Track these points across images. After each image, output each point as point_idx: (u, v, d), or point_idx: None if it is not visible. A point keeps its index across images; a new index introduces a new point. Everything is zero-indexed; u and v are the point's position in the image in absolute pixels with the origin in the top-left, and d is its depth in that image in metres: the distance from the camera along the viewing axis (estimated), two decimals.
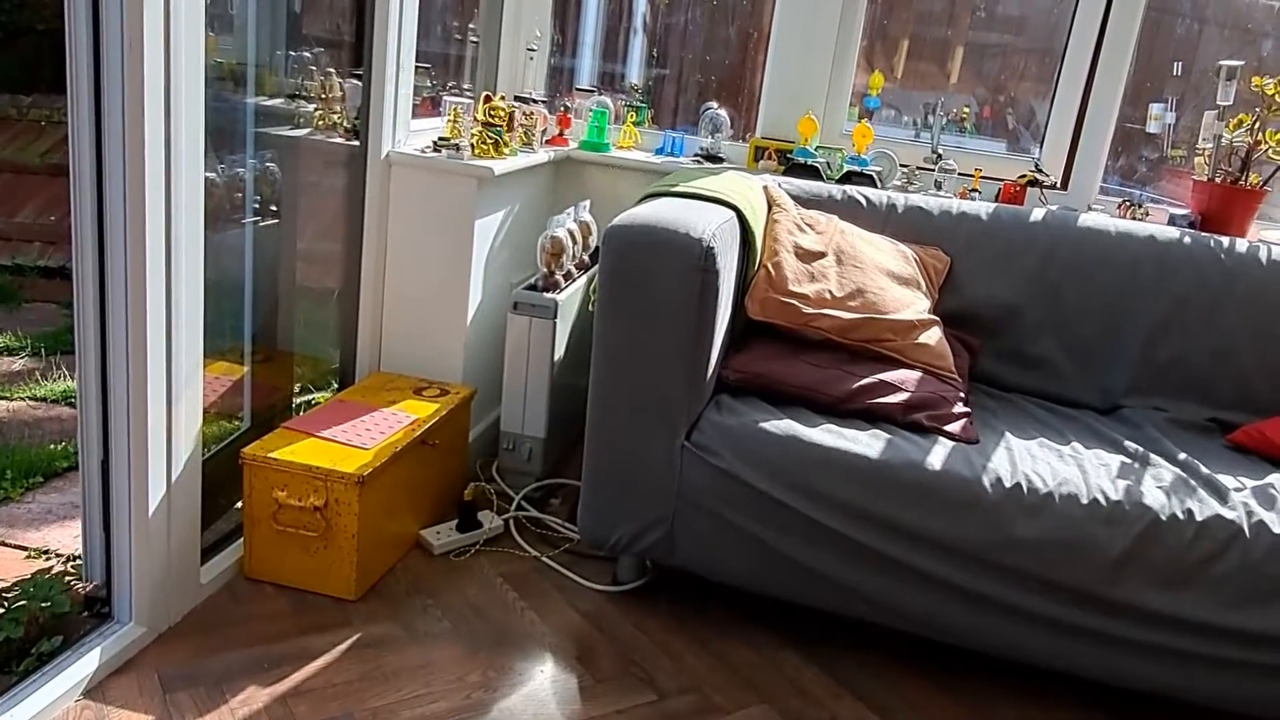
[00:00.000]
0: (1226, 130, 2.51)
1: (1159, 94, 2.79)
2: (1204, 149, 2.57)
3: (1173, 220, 2.55)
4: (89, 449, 1.71)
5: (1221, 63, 2.52)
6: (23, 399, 2.91)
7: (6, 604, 1.71)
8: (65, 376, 3.08)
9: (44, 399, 2.91)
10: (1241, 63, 2.51)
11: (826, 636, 2.04)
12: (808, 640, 2.02)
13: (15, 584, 1.77)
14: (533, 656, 1.87)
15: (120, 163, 1.56)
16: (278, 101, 2.16)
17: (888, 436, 1.88)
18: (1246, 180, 2.50)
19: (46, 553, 2.02)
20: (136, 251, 1.58)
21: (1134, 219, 2.57)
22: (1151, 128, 2.74)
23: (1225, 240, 2.34)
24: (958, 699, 1.90)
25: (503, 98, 2.53)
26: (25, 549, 2.04)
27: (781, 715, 1.79)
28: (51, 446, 2.52)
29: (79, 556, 1.85)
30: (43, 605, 1.71)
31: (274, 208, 2.17)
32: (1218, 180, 2.53)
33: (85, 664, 1.64)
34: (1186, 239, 2.34)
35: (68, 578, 1.82)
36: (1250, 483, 1.87)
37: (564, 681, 1.81)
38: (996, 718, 1.86)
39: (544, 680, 1.80)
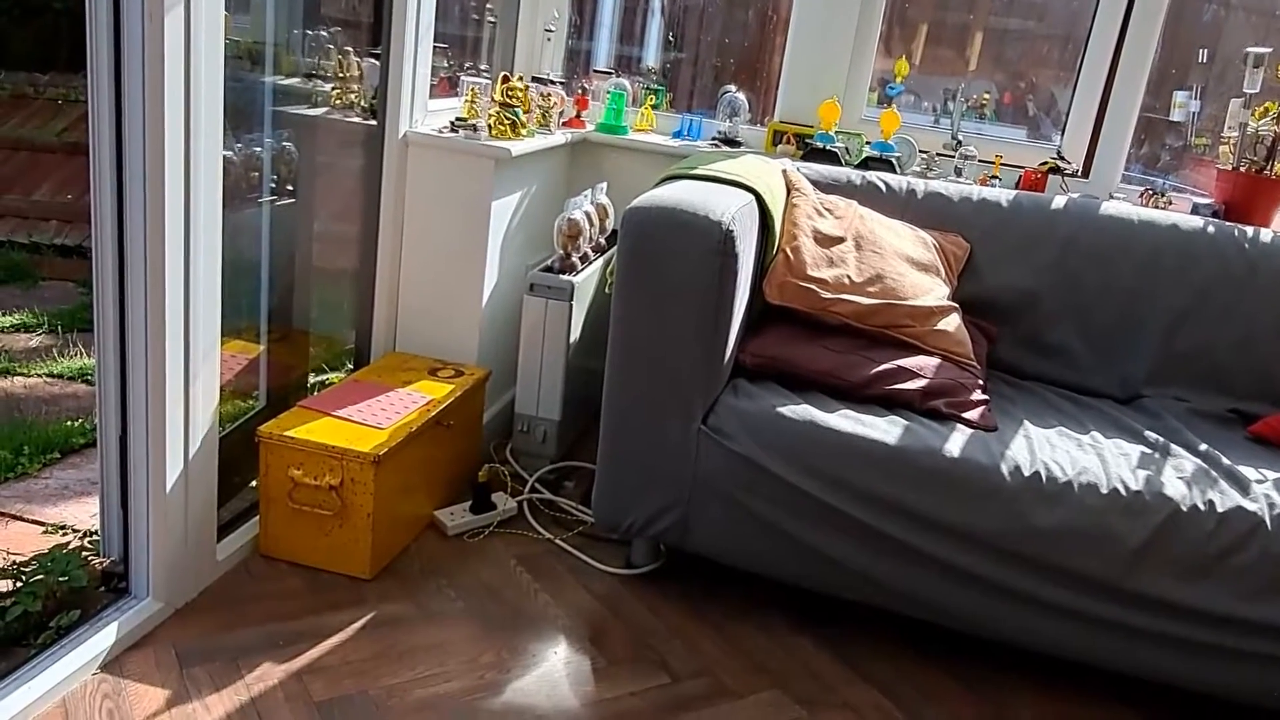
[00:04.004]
0: (1252, 119, 2.48)
1: (1184, 81, 2.75)
2: (1229, 137, 2.54)
3: (1196, 209, 2.52)
4: (107, 425, 1.71)
5: (1248, 50, 2.49)
6: (40, 375, 2.92)
7: (25, 578, 1.72)
8: (81, 354, 3.09)
9: (61, 376, 2.92)
10: (1269, 50, 2.47)
11: (840, 622, 2.03)
12: (821, 625, 2.01)
13: (33, 558, 1.78)
14: (546, 638, 1.87)
15: (140, 140, 1.55)
16: (295, 80, 2.15)
17: (905, 423, 1.87)
18: (1272, 169, 2.47)
19: (64, 528, 2.03)
20: (155, 229, 1.58)
21: (1157, 208, 2.54)
22: (1175, 116, 2.71)
23: (1249, 230, 2.31)
24: (971, 686, 1.89)
25: (520, 78, 2.51)
26: (43, 524, 2.05)
27: (794, 700, 1.79)
28: (68, 423, 2.53)
29: (96, 532, 1.86)
30: (60, 580, 1.72)
31: (291, 187, 2.16)
32: (1242, 169, 2.50)
33: (103, 638, 1.64)
34: (1210, 228, 2.32)
35: (85, 553, 1.82)
36: (1271, 474, 1.85)
37: (577, 663, 1.81)
38: (1009, 705, 1.85)
39: (557, 662, 1.81)
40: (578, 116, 2.87)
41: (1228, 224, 2.34)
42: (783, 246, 2.15)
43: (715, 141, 2.86)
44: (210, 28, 1.59)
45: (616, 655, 1.85)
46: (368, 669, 1.71)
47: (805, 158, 2.69)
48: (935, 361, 2.04)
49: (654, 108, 2.99)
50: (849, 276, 2.13)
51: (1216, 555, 1.70)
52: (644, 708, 1.71)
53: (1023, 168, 2.69)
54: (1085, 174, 2.76)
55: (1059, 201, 2.39)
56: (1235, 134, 2.52)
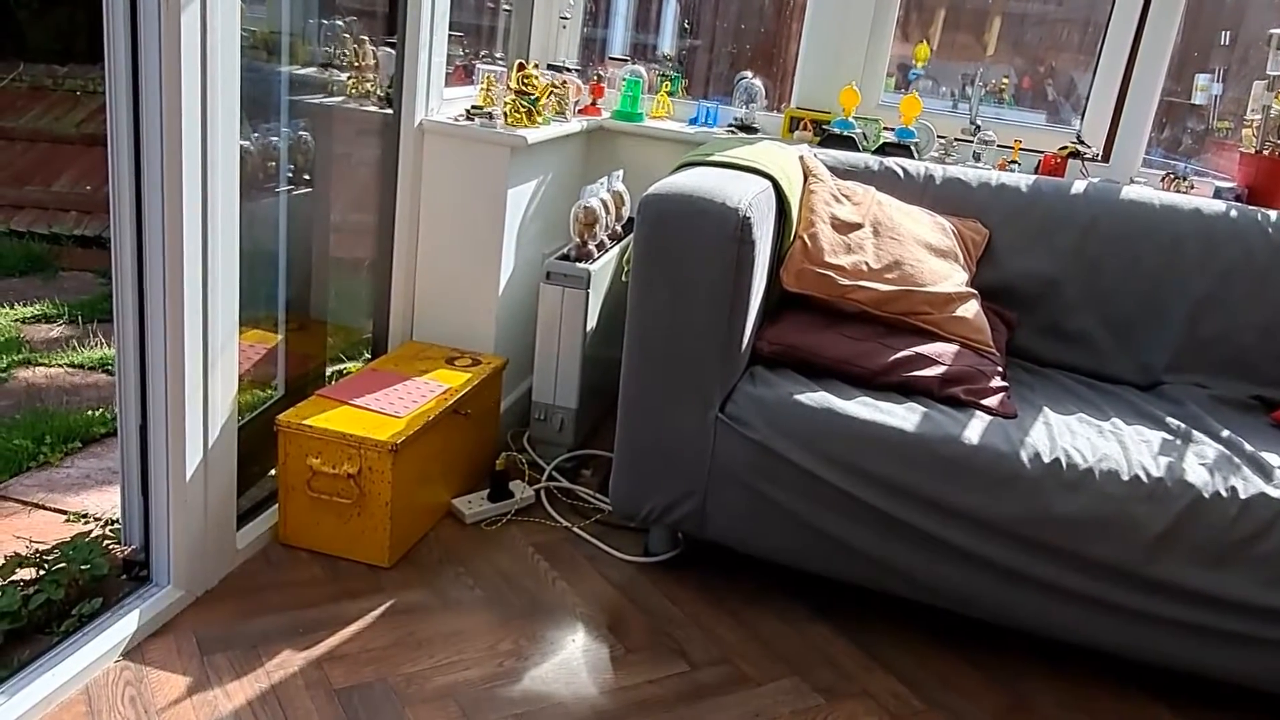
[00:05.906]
0: (1276, 101, 2.45)
1: (1205, 64, 2.72)
2: (1252, 120, 2.51)
3: (1218, 193, 2.49)
4: (127, 414, 1.72)
5: (1272, 31, 2.46)
6: (61, 366, 2.94)
7: (47, 566, 1.74)
8: (102, 344, 3.11)
9: (81, 366, 2.94)
10: None
11: (858, 610, 2.03)
12: (840, 614, 2.01)
13: (56, 547, 1.79)
14: (564, 626, 1.87)
15: (158, 131, 1.55)
16: (311, 70, 2.15)
17: (924, 410, 1.86)
18: None
19: (85, 516, 2.05)
20: (173, 219, 1.59)
21: (1178, 192, 2.52)
22: (1197, 99, 2.68)
23: (1273, 214, 2.28)
24: (990, 674, 1.88)
25: (535, 66, 2.51)
26: (65, 513, 2.07)
27: (812, 687, 1.78)
28: (89, 412, 2.55)
29: (117, 520, 1.87)
30: (82, 568, 1.73)
31: (307, 176, 2.17)
32: (1266, 152, 2.47)
33: (124, 625, 1.66)
34: (1233, 212, 2.29)
35: (106, 541, 1.84)
36: None
37: (595, 651, 1.81)
38: (1028, 693, 1.85)
39: (575, 649, 1.81)
40: (593, 104, 2.86)
41: (1251, 208, 2.31)
42: (800, 233, 2.14)
43: (732, 128, 2.85)
44: (226, 18, 1.59)
45: (635, 643, 1.85)
46: (387, 656, 1.72)
47: (822, 144, 2.68)
48: (954, 348, 2.03)
49: (670, 95, 2.97)
50: (867, 263, 2.12)
51: (1239, 542, 1.68)
52: (663, 695, 1.72)
53: (1042, 152, 2.66)
54: (1106, 158, 2.73)
55: (1079, 186, 2.37)
56: (1258, 117, 2.49)
